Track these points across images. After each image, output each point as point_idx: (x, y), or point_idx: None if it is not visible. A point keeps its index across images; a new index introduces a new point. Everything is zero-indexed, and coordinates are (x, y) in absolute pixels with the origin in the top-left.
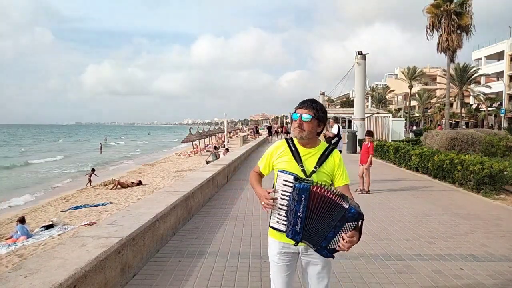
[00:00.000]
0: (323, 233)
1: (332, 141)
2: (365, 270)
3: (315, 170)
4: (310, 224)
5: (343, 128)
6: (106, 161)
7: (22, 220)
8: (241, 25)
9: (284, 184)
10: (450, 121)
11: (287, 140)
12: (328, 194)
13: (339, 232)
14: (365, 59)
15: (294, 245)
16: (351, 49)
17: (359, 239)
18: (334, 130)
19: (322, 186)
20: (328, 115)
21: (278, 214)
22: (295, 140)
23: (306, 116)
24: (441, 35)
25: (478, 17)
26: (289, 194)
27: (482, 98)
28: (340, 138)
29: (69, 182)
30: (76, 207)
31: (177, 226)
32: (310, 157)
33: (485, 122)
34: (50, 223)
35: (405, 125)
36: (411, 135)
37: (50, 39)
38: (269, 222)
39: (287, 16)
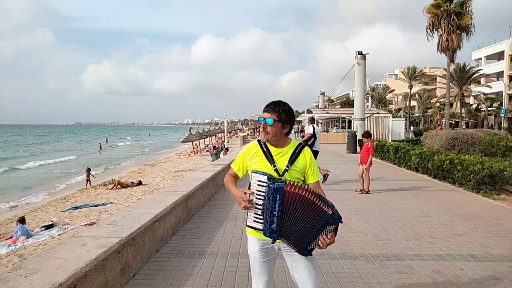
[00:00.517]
0: (304, 234)
1: (309, 142)
2: (365, 270)
3: (287, 168)
4: (287, 222)
5: (342, 128)
6: (116, 161)
7: (22, 220)
8: (242, 25)
9: (258, 184)
10: (450, 121)
11: (259, 141)
12: (303, 193)
13: (320, 234)
14: (365, 59)
15: (272, 243)
16: (352, 49)
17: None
18: (310, 130)
19: (296, 184)
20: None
21: (255, 213)
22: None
23: (269, 120)
24: (441, 35)
25: (478, 17)
26: (264, 193)
27: (482, 98)
28: (315, 139)
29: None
30: (76, 207)
31: (177, 226)
32: (282, 156)
33: (485, 122)
34: (50, 223)
35: (405, 125)
36: (411, 135)
37: (51, 39)
38: (246, 221)
39: (288, 16)
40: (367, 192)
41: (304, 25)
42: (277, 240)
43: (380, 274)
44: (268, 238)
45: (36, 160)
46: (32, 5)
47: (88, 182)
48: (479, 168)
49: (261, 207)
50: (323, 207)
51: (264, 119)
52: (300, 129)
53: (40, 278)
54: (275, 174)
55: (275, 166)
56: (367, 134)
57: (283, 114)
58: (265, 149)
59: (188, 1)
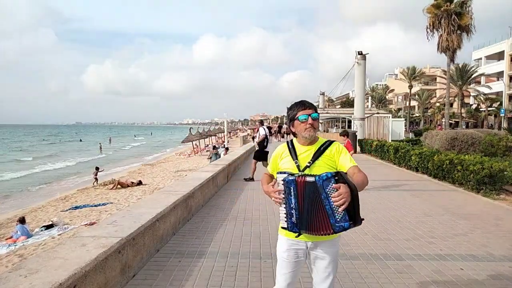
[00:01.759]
0: (323, 214)
1: (265, 143)
2: (365, 270)
3: (308, 165)
4: (305, 212)
5: (342, 128)
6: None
7: (22, 220)
8: (243, 25)
9: (282, 184)
10: (450, 121)
11: (287, 143)
12: (307, 178)
13: (330, 200)
14: (365, 59)
15: (296, 237)
16: (353, 49)
17: (352, 189)
18: (262, 132)
19: (306, 174)
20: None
21: (283, 213)
22: (294, 141)
23: (316, 115)
24: (441, 35)
25: (478, 17)
26: (284, 191)
27: (482, 98)
28: (268, 140)
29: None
30: (76, 207)
31: (177, 226)
32: (307, 153)
33: (485, 122)
34: (50, 223)
35: (405, 125)
36: (411, 135)
37: (53, 39)
38: (280, 223)
39: (289, 16)
40: None
41: (306, 25)
42: (306, 238)
43: (380, 274)
44: (293, 236)
45: (61, 160)
46: (34, 5)
47: (96, 180)
48: (479, 168)
49: (285, 205)
50: (310, 179)
51: (309, 115)
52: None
53: (40, 278)
54: (296, 171)
55: (297, 163)
56: (344, 133)
57: (317, 110)
58: (290, 147)
59: (191, 1)
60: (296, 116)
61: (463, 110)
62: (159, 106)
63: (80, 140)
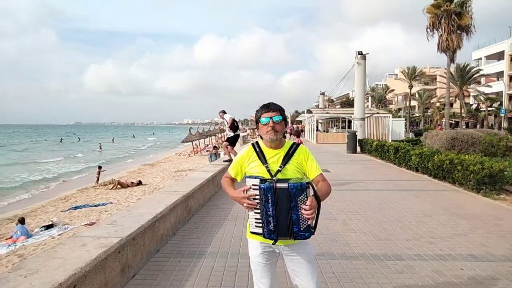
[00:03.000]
0: (288, 220)
1: (235, 133)
2: (365, 270)
3: (280, 169)
4: (280, 218)
5: (342, 128)
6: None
7: (22, 220)
8: (244, 25)
9: (253, 189)
10: (450, 121)
11: (253, 145)
12: (278, 184)
13: (299, 210)
14: (365, 59)
15: (273, 244)
16: (353, 50)
17: (319, 202)
18: (227, 119)
19: (282, 180)
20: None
21: (255, 218)
22: (260, 143)
23: (278, 118)
24: (441, 35)
25: (478, 17)
26: (259, 197)
27: (482, 98)
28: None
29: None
30: (76, 207)
31: (177, 226)
32: (276, 157)
33: (485, 122)
34: (50, 223)
35: (405, 125)
36: (411, 135)
37: (54, 39)
38: (249, 228)
39: (291, 16)
40: None
41: (307, 25)
42: (277, 242)
43: (380, 274)
44: (269, 241)
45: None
46: (36, 5)
47: (97, 180)
48: (479, 168)
49: (259, 211)
50: (281, 185)
51: (271, 118)
52: (300, 129)
53: (40, 278)
54: (267, 176)
55: (268, 167)
56: (296, 133)
57: (284, 113)
58: (258, 150)
59: (193, 1)
60: (260, 119)
61: (463, 110)
62: (159, 106)
63: (113, 140)
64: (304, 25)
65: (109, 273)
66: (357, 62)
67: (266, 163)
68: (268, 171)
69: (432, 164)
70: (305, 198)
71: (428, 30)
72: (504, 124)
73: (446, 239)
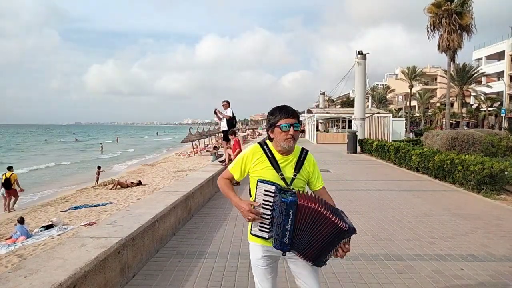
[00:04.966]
0: (319, 248)
1: (234, 122)
2: (365, 270)
3: (294, 177)
4: (300, 235)
5: (342, 128)
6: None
7: (21, 221)
8: (247, 25)
9: (265, 194)
10: (451, 121)
11: (261, 145)
12: (317, 207)
13: (337, 246)
14: (365, 59)
15: (283, 255)
16: (355, 50)
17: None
18: (229, 113)
19: (309, 196)
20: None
21: (261, 222)
22: (270, 146)
23: (298, 126)
24: (441, 34)
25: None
26: (271, 203)
27: (482, 98)
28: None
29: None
30: (75, 207)
31: (177, 226)
32: (288, 163)
33: (485, 122)
34: (50, 223)
35: (406, 125)
36: (411, 135)
37: (56, 39)
38: (250, 230)
39: (293, 16)
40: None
41: (309, 25)
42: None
43: (381, 274)
44: (270, 244)
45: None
46: (38, 5)
47: (97, 180)
48: (479, 168)
49: (268, 216)
50: (337, 223)
51: (292, 125)
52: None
53: (39, 278)
54: (282, 183)
55: (283, 175)
56: (232, 133)
57: (299, 119)
58: (270, 156)
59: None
60: (278, 124)
61: (463, 110)
62: (159, 106)
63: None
64: (307, 26)
65: (109, 274)
66: (357, 62)
67: (280, 170)
68: (283, 179)
69: (432, 164)
70: (347, 241)
71: (429, 29)
72: (505, 124)
73: (447, 239)
